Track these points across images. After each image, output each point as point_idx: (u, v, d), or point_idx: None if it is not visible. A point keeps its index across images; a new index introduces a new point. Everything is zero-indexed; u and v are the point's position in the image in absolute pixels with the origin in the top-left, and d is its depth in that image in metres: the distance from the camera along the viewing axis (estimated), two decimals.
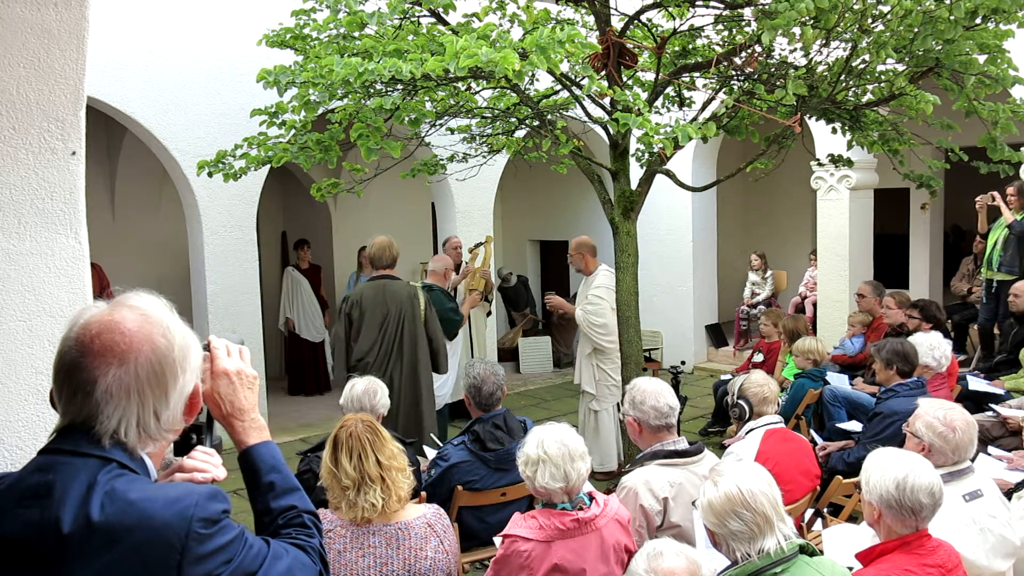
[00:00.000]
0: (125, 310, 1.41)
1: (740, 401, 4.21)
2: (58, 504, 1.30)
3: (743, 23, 5.45)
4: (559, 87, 5.80)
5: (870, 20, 4.57)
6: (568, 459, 2.80)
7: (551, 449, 2.81)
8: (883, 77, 5.25)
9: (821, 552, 2.47)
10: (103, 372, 1.35)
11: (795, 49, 5.06)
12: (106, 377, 1.35)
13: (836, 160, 6.64)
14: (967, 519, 2.96)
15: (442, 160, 6.68)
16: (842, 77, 4.98)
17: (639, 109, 4.11)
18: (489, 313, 8.80)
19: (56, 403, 1.41)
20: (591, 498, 2.90)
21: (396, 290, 5.65)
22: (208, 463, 1.62)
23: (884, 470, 2.54)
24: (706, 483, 2.43)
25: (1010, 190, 7.40)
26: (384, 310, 5.60)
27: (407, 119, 4.85)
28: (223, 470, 1.64)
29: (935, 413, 3.16)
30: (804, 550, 2.32)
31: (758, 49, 5.03)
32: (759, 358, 7.60)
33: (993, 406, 5.36)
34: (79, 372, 1.35)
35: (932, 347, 5.05)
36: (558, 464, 2.79)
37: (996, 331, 7.56)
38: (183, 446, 1.63)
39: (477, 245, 8.10)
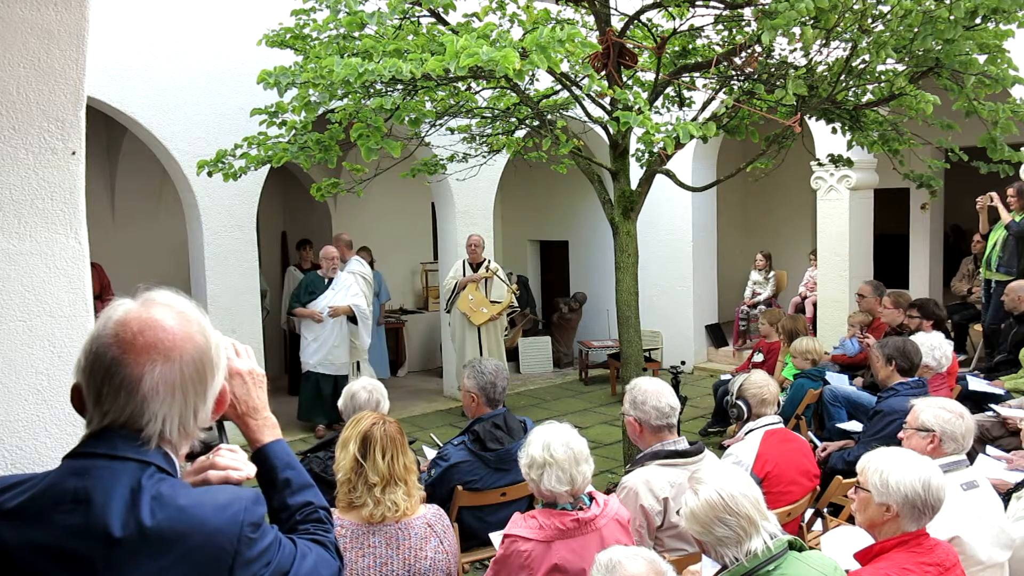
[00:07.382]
0: (161, 308, 1.38)
1: (738, 402, 4.20)
2: (102, 509, 1.28)
3: (743, 23, 5.45)
4: (559, 87, 5.80)
5: (870, 20, 4.57)
6: (574, 462, 2.79)
7: (558, 452, 2.79)
8: (883, 77, 5.25)
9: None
10: (148, 370, 1.32)
11: (795, 49, 5.06)
12: (152, 375, 1.33)
13: (836, 160, 6.64)
14: (967, 508, 2.99)
15: (442, 160, 6.68)
16: (842, 77, 4.98)
17: (639, 108, 4.11)
18: (510, 323, 9.18)
19: (87, 404, 1.36)
20: (591, 498, 2.89)
21: None
22: (238, 461, 1.60)
23: (905, 471, 2.50)
24: (686, 493, 2.42)
25: (1010, 191, 7.40)
26: None
27: (407, 119, 4.85)
28: (252, 467, 1.62)
29: (938, 404, 3.25)
30: (793, 546, 2.32)
31: (758, 49, 5.03)
32: (759, 358, 7.58)
33: (993, 406, 5.36)
34: (122, 369, 1.32)
35: (933, 347, 5.05)
36: (564, 468, 2.77)
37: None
38: None
39: (488, 270, 8.45)
